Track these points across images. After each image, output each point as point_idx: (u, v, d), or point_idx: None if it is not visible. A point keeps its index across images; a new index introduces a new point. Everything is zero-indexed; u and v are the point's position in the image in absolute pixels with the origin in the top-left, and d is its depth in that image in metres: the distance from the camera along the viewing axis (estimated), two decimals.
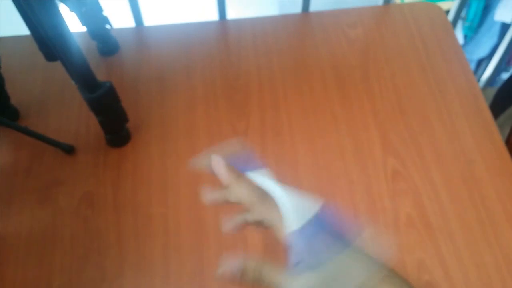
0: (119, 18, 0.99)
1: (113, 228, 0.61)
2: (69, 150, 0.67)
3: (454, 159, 0.66)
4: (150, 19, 0.87)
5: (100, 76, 0.60)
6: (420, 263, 0.58)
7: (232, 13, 0.87)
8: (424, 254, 0.59)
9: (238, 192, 0.44)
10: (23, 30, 0.65)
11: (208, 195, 0.45)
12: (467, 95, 0.72)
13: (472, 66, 1.61)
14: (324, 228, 0.40)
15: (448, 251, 0.59)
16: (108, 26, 0.74)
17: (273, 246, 0.60)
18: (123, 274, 0.58)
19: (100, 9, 0.71)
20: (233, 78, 0.75)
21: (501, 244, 0.59)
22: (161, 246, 0.60)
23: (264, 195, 0.43)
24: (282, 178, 0.42)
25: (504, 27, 1.52)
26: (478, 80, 1.16)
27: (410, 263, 0.58)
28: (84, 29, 0.73)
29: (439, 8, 0.83)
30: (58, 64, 0.60)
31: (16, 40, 0.79)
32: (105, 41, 0.76)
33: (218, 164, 0.45)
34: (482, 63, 1.61)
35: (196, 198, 0.63)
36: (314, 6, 0.85)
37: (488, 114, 0.70)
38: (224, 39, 0.80)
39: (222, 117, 0.71)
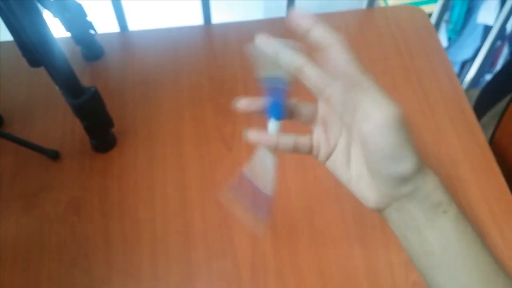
0: (103, 23, 0.98)
1: (100, 234, 0.61)
2: (54, 156, 0.66)
3: (439, 160, 0.67)
4: (134, 24, 0.87)
5: (85, 82, 0.59)
6: (407, 263, 0.59)
7: (216, 16, 0.87)
8: None
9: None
10: (5, 35, 0.64)
11: None
12: (451, 97, 0.73)
13: (456, 68, 1.63)
14: None
15: None
16: (92, 31, 0.74)
17: (263, 252, 0.60)
18: (111, 280, 0.58)
19: (84, 14, 0.71)
20: (220, 82, 0.75)
21: (487, 244, 0.60)
22: (149, 251, 0.60)
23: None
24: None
25: (487, 29, 1.54)
26: (462, 81, 1.17)
27: (397, 263, 0.58)
28: (68, 34, 0.73)
29: (422, 11, 0.84)
30: (42, 70, 0.59)
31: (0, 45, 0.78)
32: (89, 46, 0.76)
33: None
34: (466, 65, 1.63)
35: (184, 202, 0.63)
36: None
37: (471, 115, 0.71)
38: (210, 43, 0.80)
39: (208, 121, 0.71)
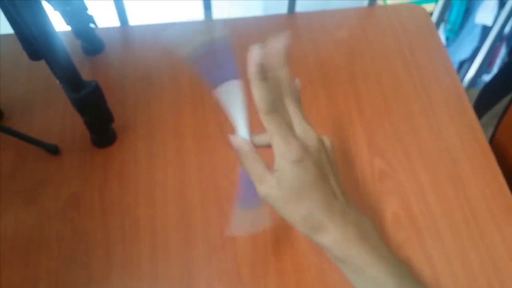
0: (104, 17, 0.98)
1: (100, 229, 0.61)
2: (54, 150, 0.66)
3: (440, 158, 0.67)
4: (135, 19, 0.87)
5: (85, 76, 0.59)
6: (407, 262, 0.59)
7: (215, 13, 0.86)
8: (411, 253, 0.59)
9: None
10: (5, 28, 0.64)
11: None
12: (451, 95, 0.73)
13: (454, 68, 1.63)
14: None
15: (435, 250, 0.60)
16: (92, 25, 0.73)
17: (263, 249, 0.60)
18: (111, 276, 0.58)
19: (84, 8, 0.70)
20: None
21: (486, 243, 0.60)
22: (149, 247, 0.59)
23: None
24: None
25: (485, 30, 1.54)
26: (461, 81, 1.18)
27: None
28: (68, 28, 0.72)
29: (424, 10, 0.84)
30: (42, 63, 0.59)
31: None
32: (90, 41, 0.75)
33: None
34: (463, 64, 1.64)
35: (184, 198, 0.63)
36: (299, 7, 0.85)
37: (472, 114, 0.71)
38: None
39: (209, 117, 0.70)
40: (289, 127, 0.42)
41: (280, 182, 0.41)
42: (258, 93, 0.40)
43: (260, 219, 0.51)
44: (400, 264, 0.44)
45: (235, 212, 0.49)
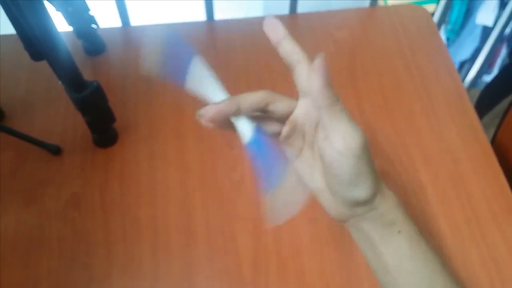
0: (105, 18, 0.98)
1: (101, 230, 0.61)
2: (55, 150, 0.66)
3: (441, 158, 0.67)
4: (136, 19, 0.87)
5: (87, 76, 0.59)
6: None
7: (216, 14, 0.87)
8: None
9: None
10: (7, 29, 0.64)
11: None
12: (453, 96, 0.73)
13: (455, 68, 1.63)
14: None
15: (436, 250, 0.59)
16: (94, 26, 0.73)
17: (265, 250, 0.60)
18: (111, 276, 0.58)
19: (86, 9, 0.70)
20: (221, 78, 0.74)
21: (487, 243, 0.60)
22: (150, 247, 0.59)
23: None
24: None
25: (486, 30, 1.54)
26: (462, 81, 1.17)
27: None
28: (70, 28, 0.72)
29: (425, 10, 0.85)
30: (43, 64, 0.59)
31: (0, 39, 0.78)
32: (91, 41, 0.76)
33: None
34: (464, 65, 1.64)
35: (185, 198, 0.63)
36: (300, 8, 0.85)
37: (473, 114, 0.71)
38: (212, 39, 0.80)
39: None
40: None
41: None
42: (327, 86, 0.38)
43: (294, 196, 0.46)
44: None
45: (267, 200, 0.46)
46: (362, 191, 0.40)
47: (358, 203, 0.41)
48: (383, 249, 0.42)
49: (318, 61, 0.38)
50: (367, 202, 0.41)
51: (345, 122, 0.39)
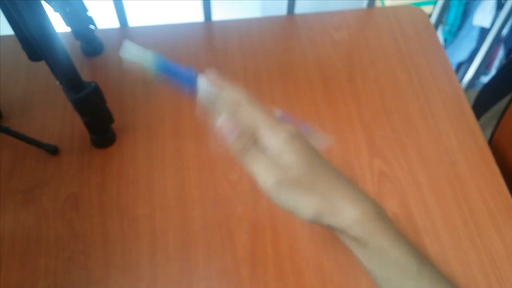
0: (103, 19, 0.98)
1: (99, 230, 0.61)
2: (53, 151, 0.66)
3: (438, 159, 0.67)
4: (134, 20, 0.87)
5: (85, 77, 0.59)
6: None
7: (214, 14, 0.87)
8: None
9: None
10: (5, 29, 0.64)
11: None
12: (450, 96, 0.73)
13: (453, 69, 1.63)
14: None
15: (434, 251, 0.60)
16: (92, 27, 0.73)
17: (263, 249, 0.60)
18: (109, 276, 0.58)
19: (84, 10, 0.70)
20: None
21: (484, 243, 0.60)
22: (148, 247, 0.59)
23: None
24: None
25: (483, 31, 1.55)
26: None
27: None
28: (68, 29, 0.72)
29: (422, 12, 0.85)
30: (41, 64, 0.59)
31: None
32: (89, 42, 0.76)
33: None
34: (461, 66, 1.64)
35: (183, 198, 0.63)
36: (297, 9, 0.85)
37: (470, 115, 0.71)
38: (210, 40, 0.80)
39: (208, 118, 0.70)
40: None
41: (284, 168, 0.38)
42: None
43: None
44: (418, 246, 0.42)
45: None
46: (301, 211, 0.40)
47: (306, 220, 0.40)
48: (361, 261, 0.42)
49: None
50: (313, 221, 0.40)
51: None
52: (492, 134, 0.81)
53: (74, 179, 0.64)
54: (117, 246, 0.60)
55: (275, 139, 0.38)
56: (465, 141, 0.69)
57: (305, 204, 0.39)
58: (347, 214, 0.40)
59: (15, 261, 0.58)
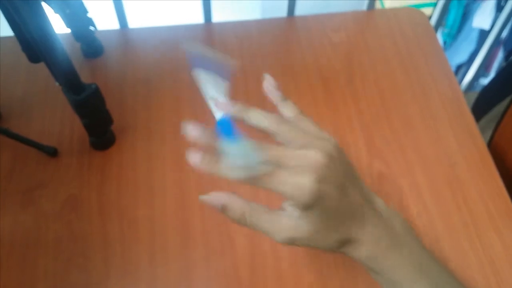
0: (103, 20, 0.98)
1: (98, 231, 0.60)
2: (52, 152, 0.66)
3: (438, 161, 0.67)
4: (135, 21, 0.87)
5: (85, 79, 0.59)
6: None
7: (214, 16, 0.87)
8: None
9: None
10: (5, 31, 0.64)
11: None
12: (449, 98, 0.73)
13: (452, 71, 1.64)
14: None
15: (433, 253, 0.60)
16: (92, 28, 0.73)
17: (262, 251, 0.60)
18: (109, 278, 0.57)
19: (84, 11, 0.70)
20: None
21: (484, 245, 0.60)
22: (147, 249, 0.59)
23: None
24: None
25: (482, 34, 1.55)
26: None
27: None
28: (68, 30, 0.72)
29: (422, 14, 0.85)
30: (40, 66, 0.59)
31: None
32: (89, 43, 0.76)
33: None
34: (461, 68, 1.64)
35: (183, 200, 0.63)
36: (297, 11, 0.85)
37: (470, 117, 0.72)
38: (210, 42, 0.80)
39: (208, 119, 0.70)
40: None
41: (302, 220, 0.39)
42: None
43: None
44: (439, 270, 0.43)
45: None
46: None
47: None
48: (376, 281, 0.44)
49: None
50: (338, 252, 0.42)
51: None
52: (492, 136, 0.81)
53: (74, 180, 0.64)
54: (116, 247, 0.60)
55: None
56: (465, 143, 0.69)
57: (323, 244, 0.40)
58: (360, 247, 0.41)
59: (14, 263, 0.58)
